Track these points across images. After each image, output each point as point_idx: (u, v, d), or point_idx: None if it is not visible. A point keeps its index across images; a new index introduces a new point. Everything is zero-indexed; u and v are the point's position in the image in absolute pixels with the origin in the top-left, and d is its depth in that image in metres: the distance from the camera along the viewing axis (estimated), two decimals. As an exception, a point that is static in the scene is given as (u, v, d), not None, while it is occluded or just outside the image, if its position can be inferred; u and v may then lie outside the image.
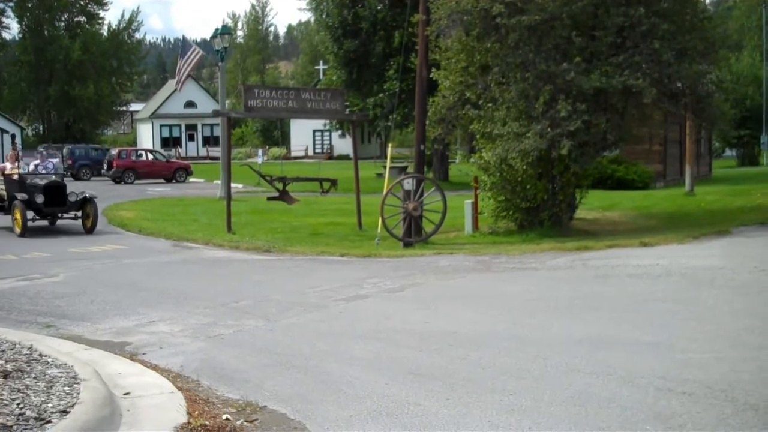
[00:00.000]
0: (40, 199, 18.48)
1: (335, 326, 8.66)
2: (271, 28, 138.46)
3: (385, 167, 20.47)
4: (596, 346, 7.31)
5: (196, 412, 5.48)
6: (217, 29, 32.66)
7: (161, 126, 76.37)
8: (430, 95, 18.49)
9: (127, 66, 77.00)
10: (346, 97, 26.60)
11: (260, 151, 49.80)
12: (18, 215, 18.32)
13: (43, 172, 19.59)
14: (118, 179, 41.43)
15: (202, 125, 75.91)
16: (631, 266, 12.22)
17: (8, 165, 20.10)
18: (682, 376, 6.24)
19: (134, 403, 5.60)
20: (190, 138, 76.99)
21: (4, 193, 19.63)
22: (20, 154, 20.50)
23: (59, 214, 19.43)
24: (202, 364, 7.08)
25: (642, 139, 28.41)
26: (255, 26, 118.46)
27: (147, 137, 76.30)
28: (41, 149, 21.71)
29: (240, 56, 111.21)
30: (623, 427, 5.23)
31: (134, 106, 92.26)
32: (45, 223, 19.91)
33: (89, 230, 18.95)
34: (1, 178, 19.88)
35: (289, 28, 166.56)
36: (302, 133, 75.15)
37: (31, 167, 19.65)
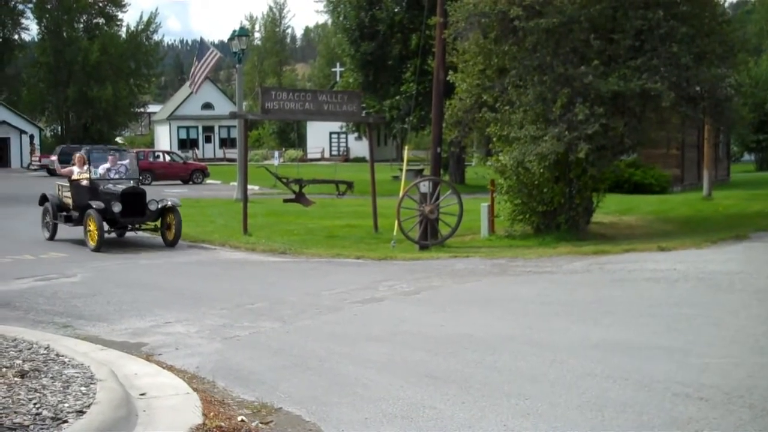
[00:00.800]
0: (117, 207, 15.95)
1: (350, 329, 8.66)
2: (288, 31, 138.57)
3: (401, 170, 20.48)
4: (613, 351, 7.28)
5: (212, 414, 5.48)
6: (234, 31, 32.79)
7: (178, 127, 76.61)
8: (446, 98, 18.46)
9: (145, 67, 77.34)
10: (362, 99, 26.58)
11: (277, 153, 49.90)
12: (93, 227, 15.75)
13: (116, 177, 17.15)
14: (135, 180, 41.52)
15: (219, 127, 76.17)
16: (648, 271, 12.17)
17: (75, 169, 17.44)
18: (700, 382, 6.20)
19: (150, 403, 5.61)
20: (207, 140, 77.24)
21: (70, 200, 17.29)
22: (89, 156, 17.57)
23: (137, 225, 16.95)
24: (217, 365, 7.10)
25: (659, 143, 28.31)
26: (272, 28, 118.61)
27: (164, 138, 76.61)
28: (113, 151, 18.70)
29: (257, 58, 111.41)
30: (640, 433, 5.20)
31: (152, 108, 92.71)
32: (113, 235, 17.37)
33: (171, 243, 16.55)
34: (67, 184, 17.59)
35: (306, 30, 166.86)
36: (319, 135, 75.28)
37: (101, 171, 17.10)
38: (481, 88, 17.58)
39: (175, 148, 66.02)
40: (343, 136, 73.02)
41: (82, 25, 73.39)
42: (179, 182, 42.83)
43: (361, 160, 61.62)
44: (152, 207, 16.56)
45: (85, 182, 16.92)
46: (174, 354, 7.50)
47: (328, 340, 8.03)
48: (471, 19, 16.86)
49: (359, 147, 69.74)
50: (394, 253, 15.41)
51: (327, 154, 75.61)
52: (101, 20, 73.91)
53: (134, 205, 16.36)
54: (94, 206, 15.90)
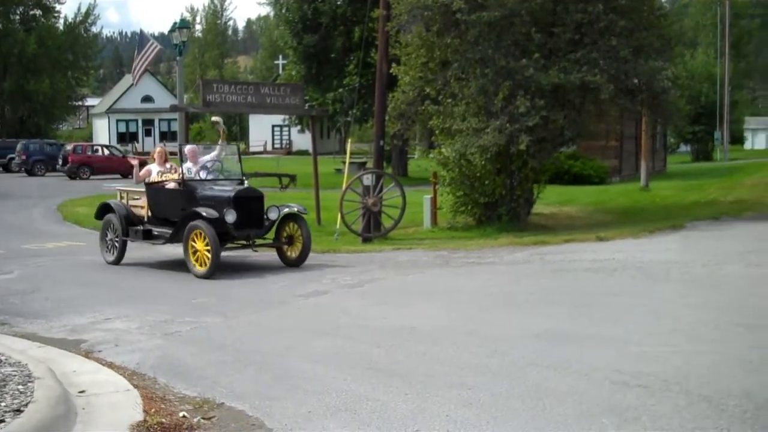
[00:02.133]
0: (230, 216, 11.86)
1: (294, 322, 8.64)
2: (230, 23, 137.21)
3: (344, 163, 20.42)
4: (553, 341, 7.37)
5: (153, 410, 5.42)
6: (175, 23, 32.23)
7: (117, 121, 75.55)
8: (389, 91, 18.49)
9: (83, 60, 75.75)
10: (305, 92, 26.50)
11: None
12: (200, 244, 11.73)
13: (209, 177, 13.08)
14: (73, 175, 40.83)
15: (160, 120, 75.24)
16: (587, 261, 12.35)
17: (154, 168, 13.38)
18: (638, 370, 6.30)
19: (89, 401, 5.52)
20: (147, 133, 76.24)
21: (144, 210, 13.34)
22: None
23: (252, 240, 12.70)
24: (158, 362, 7.01)
25: (598, 135, 28.69)
26: (214, 20, 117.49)
27: (103, 132, 75.37)
28: (190, 146, 13.70)
29: (198, 51, 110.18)
30: (580, 420, 5.27)
31: (90, 101, 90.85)
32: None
33: (295, 263, 12.75)
34: (136, 189, 13.88)
35: (248, 22, 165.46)
36: (261, 128, 74.85)
37: (195, 169, 13.02)
38: (424, 80, 17.65)
39: (114, 142, 65.02)
40: (286, 129, 72.80)
41: (18, 17, 71.64)
42: (119, 176, 42.15)
43: (304, 153, 61.40)
44: (272, 215, 12.75)
45: (171, 185, 12.95)
46: (114, 350, 7.39)
47: (271, 334, 8.00)
48: (414, 11, 16.91)
49: (302, 140, 69.53)
50: (338, 245, 15.40)
51: (269, 147, 75.21)
52: (38, 12, 72.20)
53: (250, 213, 12.43)
54: (204, 214, 11.83)
